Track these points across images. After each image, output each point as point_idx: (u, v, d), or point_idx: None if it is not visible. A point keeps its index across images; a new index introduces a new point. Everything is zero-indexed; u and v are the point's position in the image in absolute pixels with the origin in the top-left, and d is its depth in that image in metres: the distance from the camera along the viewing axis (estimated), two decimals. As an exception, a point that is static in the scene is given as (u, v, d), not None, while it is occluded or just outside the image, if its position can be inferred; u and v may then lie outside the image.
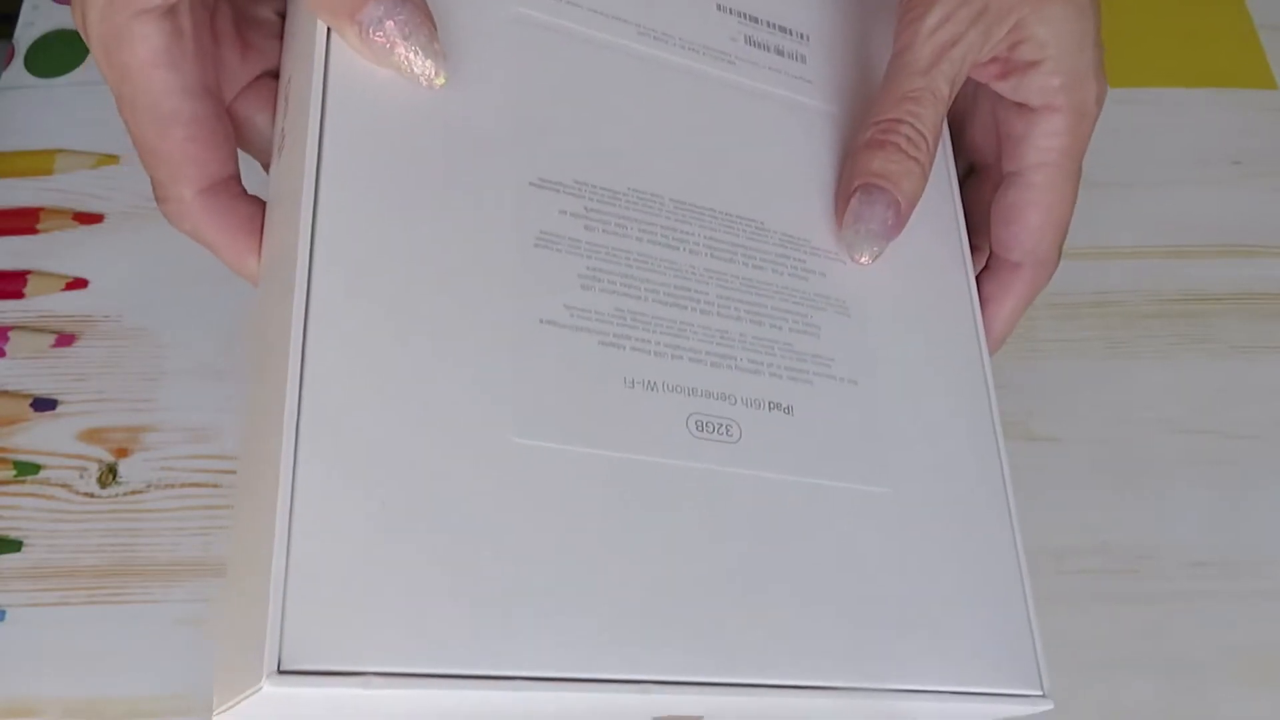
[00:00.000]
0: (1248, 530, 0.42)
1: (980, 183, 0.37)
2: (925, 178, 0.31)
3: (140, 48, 0.27)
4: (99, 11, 0.27)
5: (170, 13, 0.27)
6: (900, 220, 0.31)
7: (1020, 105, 0.33)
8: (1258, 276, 0.48)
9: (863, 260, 0.31)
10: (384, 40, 0.26)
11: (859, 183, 0.31)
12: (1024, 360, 0.45)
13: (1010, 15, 0.31)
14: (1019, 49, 0.32)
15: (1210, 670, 0.40)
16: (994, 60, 0.32)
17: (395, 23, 0.26)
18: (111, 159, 0.49)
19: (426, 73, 0.27)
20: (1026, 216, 0.33)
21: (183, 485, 0.43)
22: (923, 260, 0.34)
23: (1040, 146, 0.33)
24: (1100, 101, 0.32)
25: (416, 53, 0.26)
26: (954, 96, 0.32)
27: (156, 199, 0.30)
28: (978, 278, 0.35)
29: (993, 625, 0.31)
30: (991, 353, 0.35)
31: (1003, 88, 0.33)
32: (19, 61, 0.52)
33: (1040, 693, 0.31)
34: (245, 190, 0.31)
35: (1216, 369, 0.46)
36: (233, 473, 0.43)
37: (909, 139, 0.31)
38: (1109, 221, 0.49)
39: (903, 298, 0.34)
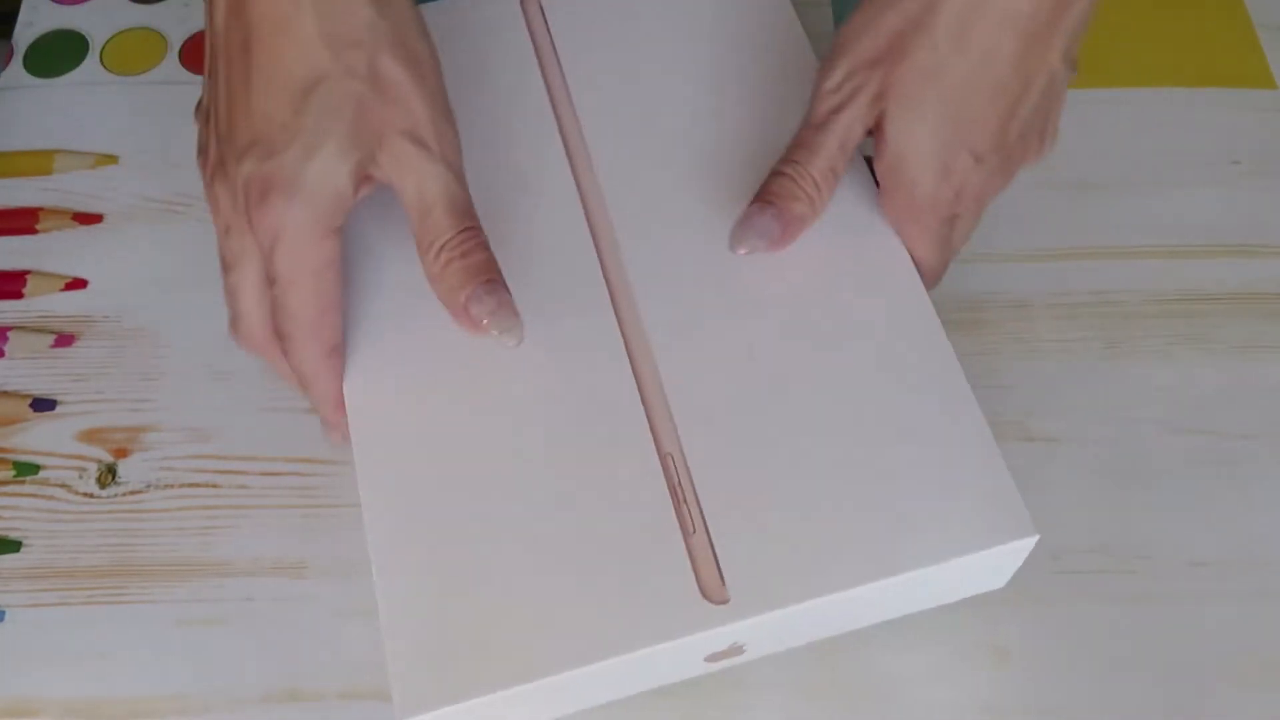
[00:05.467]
0: (1246, 530, 0.42)
1: None
2: (813, 209, 0.38)
3: (327, 253, 0.36)
4: (295, 229, 0.35)
5: (341, 232, 0.36)
6: (785, 233, 0.37)
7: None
8: (1257, 276, 0.48)
9: (740, 251, 0.37)
10: (479, 314, 0.35)
11: (755, 200, 0.38)
12: (1023, 360, 0.45)
13: (879, 103, 0.36)
14: (879, 132, 0.37)
15: (1209, 670, 0.40)
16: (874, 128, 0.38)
17: (491, 302, 0.35)
18: (111, 159, 0.49)
19: (507, 341, 0.36)
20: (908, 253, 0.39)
21: (182, 485, 0.43)
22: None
23: (887, 213, 0.39)
24: (937, 205, 0.37)
25: (502, 325, 0.35)
26: (850, 149, 0.38)
27: (289, 346, 0.37)
28: None
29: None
30: None
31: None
32: (18, 61, 0.52)
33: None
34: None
35: (1216, 369, 0.45)
36: (232, 472, 0.43)
37: (793, 177, 0.37)
38: (1109, 221, 0.49)
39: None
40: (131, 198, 0.49)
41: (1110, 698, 0.40)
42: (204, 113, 0.38)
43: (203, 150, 0.37)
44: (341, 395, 0.38)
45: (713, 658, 0.36)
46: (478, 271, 0.35)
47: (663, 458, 0.36)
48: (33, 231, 0.48)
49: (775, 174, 0.38)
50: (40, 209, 0.48)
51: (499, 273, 0.36)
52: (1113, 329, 0.46)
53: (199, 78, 0.51)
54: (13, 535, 0.42)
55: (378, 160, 0.35)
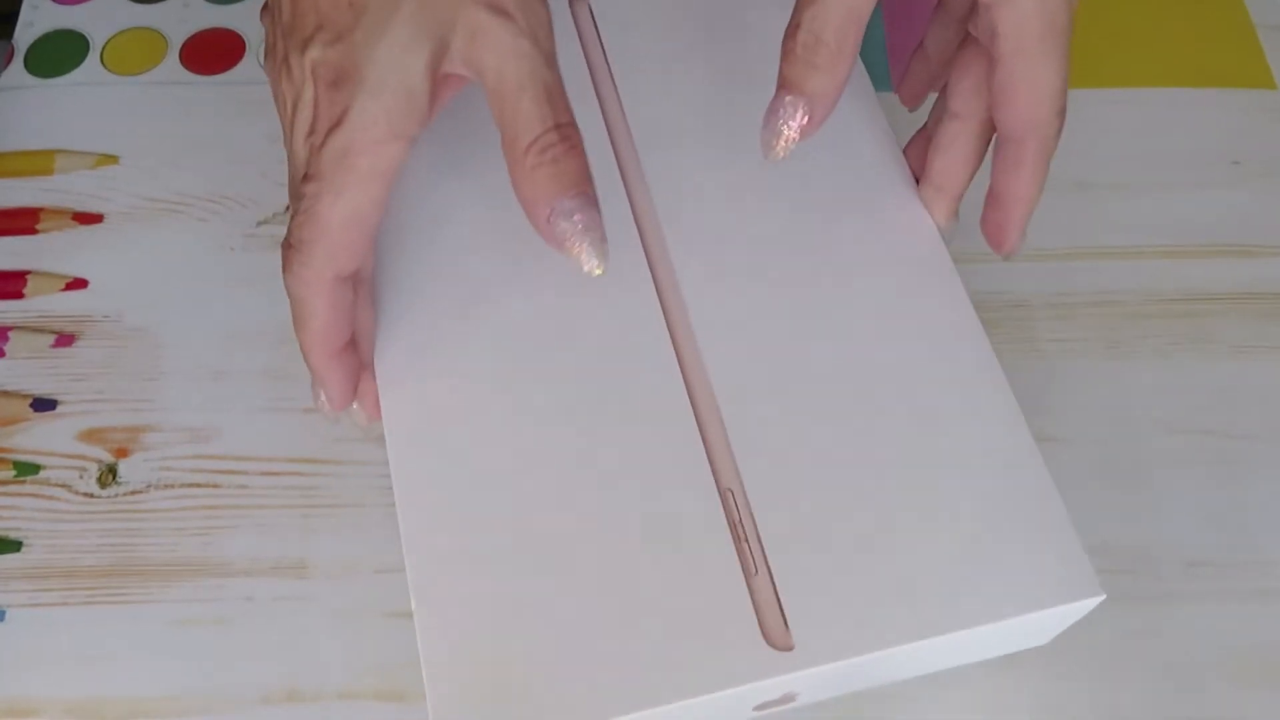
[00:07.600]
0: (1246, 531, 0.42)
1: (974, 56, 0.37)
2: (834, 77, 0.33)
3: (384, 163, 0.31)
4: (357, 120, 0.30)
5: (413, 142, 0.31)
6: (813, 121, 0.33)
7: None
8: (1257, 276, 0.48)
9: (776, 156, 0.34)
10: (565, 231, 0.31)
11: (776, 88, 0.33)
12: (1023, 360, 0.45)
13: None
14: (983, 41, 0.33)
15: (1208, 670, 0.40)
16: None
17: (579, 219, 0.31)
18: (111, 159, 0.49)
19: (590, 266, 0.32)
20: (1015, 98, 0.34)
21: (182, 485, 0.43)
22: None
23: (1008, 36, 0.33)
24: (1063, 91, 0.33)
25: (585, 248, 0.31)
26: None
27: (296, 260, 0.32)
28: (994, 155, 0.37)
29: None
30: (1019, 234, 0.37)
31: None
32: (19, 61, 0.52)
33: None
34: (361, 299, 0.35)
35: (1215, 369, 0.46)
36: (232, 472, 0.43)
37: (805, 45, 0.32)
38: (1109, 221, 0.49)
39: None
40: (131, 198, 0.49)
41: (1110, 698, 0.40)
42: (268, 11, 0.34)
43: (269, 52, 0.33)
44: (336, 342, 0.34)
45: (762, 707, 0.34)
46: (570, 181, 0.31)
47: (722, 493, 0.34)
48: (33, 231, 0.48)
49: (784, 51, 0.33)
50: (40, 209, 0.48)
51: (592, 185, 0.31)
52: (1113, 329, 0.46)
53: (199, 77, 0.51)
54: (13, 535, 0.42)
55: (452, 46, 0.30)
